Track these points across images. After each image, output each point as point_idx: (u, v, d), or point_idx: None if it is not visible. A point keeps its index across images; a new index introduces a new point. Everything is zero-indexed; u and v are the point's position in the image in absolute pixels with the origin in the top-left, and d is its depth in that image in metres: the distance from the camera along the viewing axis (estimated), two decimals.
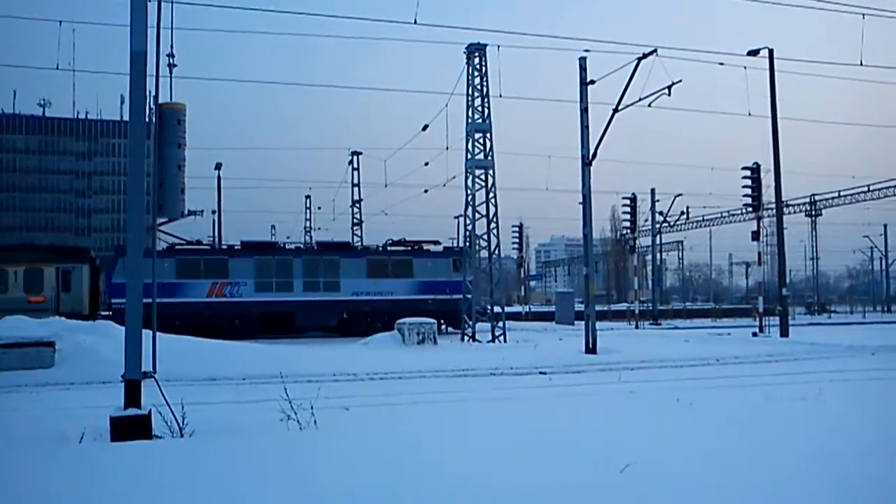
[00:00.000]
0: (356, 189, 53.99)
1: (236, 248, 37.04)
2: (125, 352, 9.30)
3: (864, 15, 25.67)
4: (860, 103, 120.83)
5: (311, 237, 63.87)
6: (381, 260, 37.87)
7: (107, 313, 33.96)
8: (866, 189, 52.56)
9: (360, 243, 50.64)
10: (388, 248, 39.27)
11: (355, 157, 53.77)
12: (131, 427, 8.74)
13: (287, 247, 39.49)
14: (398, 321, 25.87)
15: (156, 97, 10.04)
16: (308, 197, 64.70)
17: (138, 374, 9.19)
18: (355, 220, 54.04)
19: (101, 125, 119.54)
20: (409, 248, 39.15)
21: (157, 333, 10.02)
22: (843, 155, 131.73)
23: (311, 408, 9.46)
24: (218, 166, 51.35)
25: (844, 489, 6.33)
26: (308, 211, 64.93)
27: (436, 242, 40.17)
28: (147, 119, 9.85)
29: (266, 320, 35.05)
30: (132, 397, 9.09)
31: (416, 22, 21.97)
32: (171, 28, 9.91)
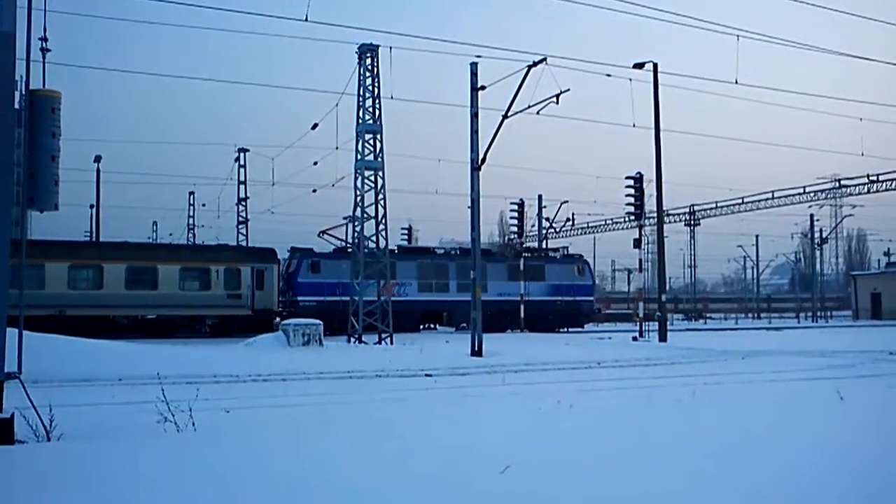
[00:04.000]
0: (242, 187, 53.08)
1: (396, 252, 40.42)
2: None
3: (738, 36, 26.99)
4: (736, 119, 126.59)
5: (194, 235, 62.31)
6: (519, 265, 42.88)
7: (281, 311, 37.57)
8: (741, 201, 55.10)
9: (244, 241, 50.36)
10: (522, 254, 44.96)
11: (242, 154, 52.80)
12: None
13: (438, 251, 44.00)
14: (283, 322, 25.49)
15: (27, 83, 9.50)
16: (192, 193, 63.18)
17: (0, 374, 8.66)
18: (241, 219, 53.07)
19: None
20: (540, 255, 45.48)
21: (27, 332, 9.49)
22: (720, 168, 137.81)
23: (190, 410, 9.15)
24: (97, 159, 49.46)
25: (711, 482, 6.54)
26: (192, 208, 63.39)
27: (555, 251, 46.58)
28: (17, 105, 9.31)
29: (426, 317, 40.50)
30: None
31: (307, 19, 21.69)
32: (45, 9, 9.41)
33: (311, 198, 45.49)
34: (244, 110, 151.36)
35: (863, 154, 40.88)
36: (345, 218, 32.31)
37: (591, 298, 46.81)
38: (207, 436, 8.79)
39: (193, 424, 8.99)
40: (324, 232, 39.48)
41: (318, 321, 25.53)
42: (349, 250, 40.18)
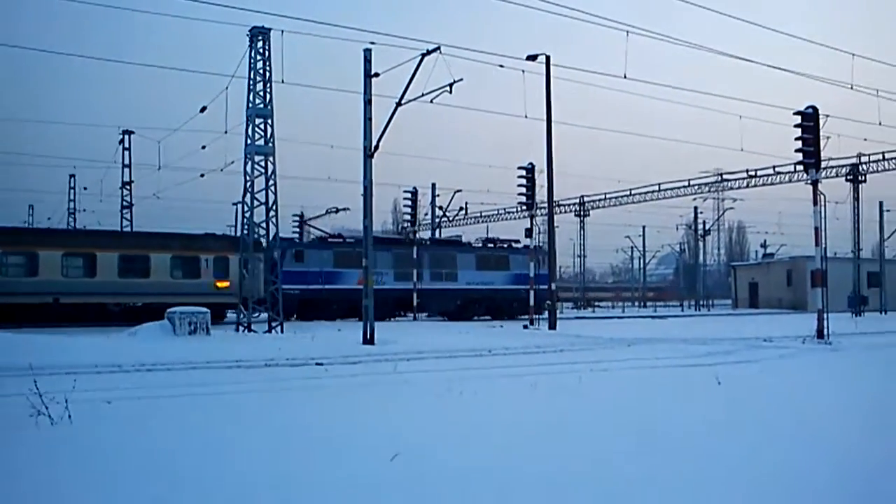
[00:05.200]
0: (127, 170, 51.30)
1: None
2: None
3: (627, 32, 27.74)
4: (625, 113, 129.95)
5: (75, 220, 59.83)
6: (486, 255, 45.91)
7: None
8: (629, 193, 56.60)
9: (128, 226, 48.93)
10: (487, 245, 47.28)
11: (126, 137, 51.04)
12: None
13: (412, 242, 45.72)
14: (168, 310, 24.73)
15: None
16: (73, 176, 60.59)
17: None
18: (125, 203, 51.30)
19: None
20: (503, 245, 46.99)
21: None
22: (610, 160, 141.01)
23: (66, 401, 8.74)
24: None
25: (598, 465, 6.69)
26: (73, 191, 60.81)
27: (517, 241, 47.10)
28: None
29: (400, 305, 41.97)
30: None
31: None
32: None
33: (198, 183, 44.17)
34: (129, 91, 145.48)
35: (742, 150, 42.77)
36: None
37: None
38: (84, 428, 8.43)
39: (70, 417, 8.61)
40: (307, 222, 40.13)
41: (205, 309, 24.89)
42: (331, 239, 42.23)
